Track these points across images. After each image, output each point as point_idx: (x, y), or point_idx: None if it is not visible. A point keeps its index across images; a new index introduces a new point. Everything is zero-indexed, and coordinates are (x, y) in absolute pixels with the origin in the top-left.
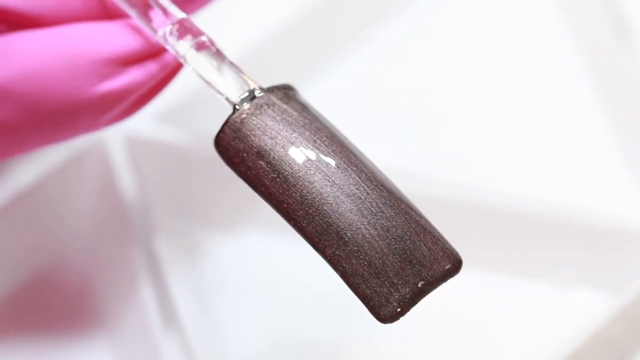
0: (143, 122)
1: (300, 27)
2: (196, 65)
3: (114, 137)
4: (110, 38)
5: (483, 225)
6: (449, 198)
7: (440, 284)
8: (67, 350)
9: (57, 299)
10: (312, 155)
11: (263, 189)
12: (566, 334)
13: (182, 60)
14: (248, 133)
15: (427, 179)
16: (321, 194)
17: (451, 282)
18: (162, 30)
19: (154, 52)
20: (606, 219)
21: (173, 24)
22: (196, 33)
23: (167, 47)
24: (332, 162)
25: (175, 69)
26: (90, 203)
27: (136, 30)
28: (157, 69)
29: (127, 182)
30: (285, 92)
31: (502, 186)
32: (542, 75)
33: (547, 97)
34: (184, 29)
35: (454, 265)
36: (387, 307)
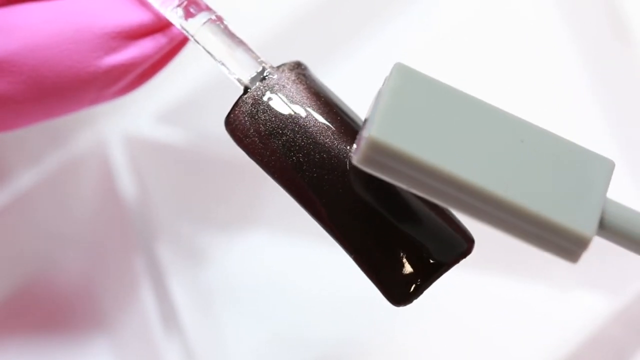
0: (143, 122)
1: (300, 25)
2: (206, 44)
3: (113, 137)
4: (116, 11)
5: (482, 225)
6: None
7: (454, 265)
8: (67, 353)
9: (57, 301)
10: (325, 139)
11: (272, 170)
12: (565, 334)
13: (191, 39)
14: (258, 114)
15: None
16: (334, 177)
17: (451, 282)
18: (170, 7)
19: (162, 25)
20: None
21: (181, 2)
22: (206, 11)
23: (177, 25)
24: (346, 146)
25: (182, 41)
26: (90, 203)
27: (143, 3)
28: (164, 42)
29: (126, 182)
30: (298, 71)
31: None
32: (541, 75)
33: (547, 97)
34: (194, 7)
35: (468, 245)
36: (400, 290)
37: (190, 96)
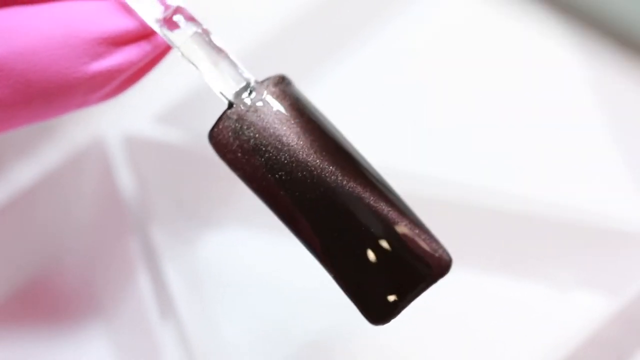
0: (142, 122)
1: (299, 25)
2: (192, 58)
3: (113, 137)
4: (103, 18)
5: (481, 225)
6: (448, 198)
7: (433, 284)
8: (64, 339)
9: (56, 297)
10: (308, 157)
11: (255, 185)
12: (564, 334)
13: (177, 51)
14: (242, 129)
15: (426, 179)
16: (317, 195)
17: (449, 282)
18: (156, 19)
19: (147, 32)
20: (606, 219)
21: (166, 14)
22: (191, 22)
23: (163, 37)
24: (328, 166)
25: (166, 49)
26: (89, 203)
27: (129, 10)
28: (149, 49)
29: (126, 182)
30: (281, 87)
31: (501, 186)
32: (541, 75)
33: (546, 97)
34: (180, 19)
35: (446, 266)
36: (379, 308)
37: (188, 96)
